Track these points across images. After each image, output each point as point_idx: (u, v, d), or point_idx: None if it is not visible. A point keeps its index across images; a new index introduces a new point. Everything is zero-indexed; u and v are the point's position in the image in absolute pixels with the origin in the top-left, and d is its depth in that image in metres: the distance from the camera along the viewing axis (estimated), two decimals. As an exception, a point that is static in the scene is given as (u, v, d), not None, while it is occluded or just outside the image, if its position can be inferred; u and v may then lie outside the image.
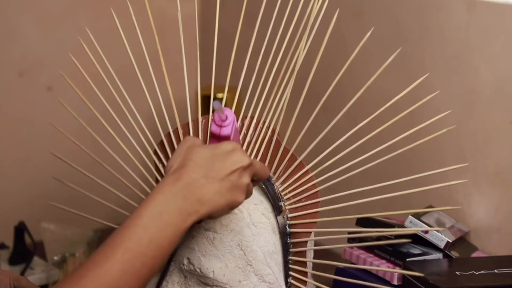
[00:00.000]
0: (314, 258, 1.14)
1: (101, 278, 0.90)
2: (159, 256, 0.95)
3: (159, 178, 1.20)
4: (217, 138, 1.04)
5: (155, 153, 1.21)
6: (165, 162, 1.19)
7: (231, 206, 1.01)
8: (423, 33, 1.52)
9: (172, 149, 1.19)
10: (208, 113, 1.19)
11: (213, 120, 1.04)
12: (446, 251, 1.34)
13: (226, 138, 1.03)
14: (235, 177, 1.00)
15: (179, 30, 1.19)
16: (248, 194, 1.03)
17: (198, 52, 1.21)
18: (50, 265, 1.67)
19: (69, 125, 1.22)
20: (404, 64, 1.47)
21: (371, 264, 1.34)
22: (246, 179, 1.01)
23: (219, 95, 1.20)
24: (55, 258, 1.70)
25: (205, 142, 1.17)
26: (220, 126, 1.04)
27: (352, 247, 1.38)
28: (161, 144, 1.20)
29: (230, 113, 1.04)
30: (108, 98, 1.19)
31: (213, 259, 1.08)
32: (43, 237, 1.70)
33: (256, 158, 1.14)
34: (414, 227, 1.34)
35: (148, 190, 1.21)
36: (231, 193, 1.00)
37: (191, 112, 1.20)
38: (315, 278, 1.14)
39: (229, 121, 1.04)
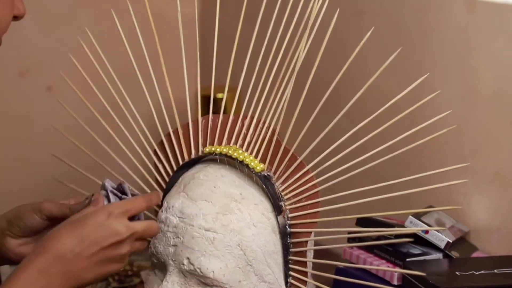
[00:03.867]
0: (314, 258, 1.14)
1: None
2: None
3: (158, 178, 1.20)
4: None
5: (155, 153, 1.21)
6: (165, 163, 1.19)
7: (102, 278, 0.99)
8: (423, 33, 1.51)
9: (172, 149, 1.19)
10: (208, 113, 1.19)
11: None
12: (446, 251, 1.34)
13: None
14: (109, 251, 0.97)
15: (179, 31, 1.19)
16: (125, 261, 1.00)
17: (198, 52, 1.21)
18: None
19: (69, 125, 1.22)
20: (404, 64, 1.47)
21: (371, 264, 1.34)
22: (123, 249, 0.98)
23: (219, 95, 1.20)
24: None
25: (205, 141, 1.17)
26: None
27: (352, 247, 1.38)
28: (161, 144, 1.20)
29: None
30: (108, 98, 1.19)
31: (213, 259, 1.08)
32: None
33: (256, 158, 1.14)
34: (414, 227, 1.34)
35: (148, 190, 1.21)
36: (101, 267, 0.97)
37: (191, 113, 1.20)
38: (315, 278, 1.14)
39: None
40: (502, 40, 1.39)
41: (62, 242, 0.95)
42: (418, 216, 1.35)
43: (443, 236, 1.34)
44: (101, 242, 0.96)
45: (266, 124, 1.15)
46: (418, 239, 1.35)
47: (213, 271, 1.08)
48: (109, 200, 1.03)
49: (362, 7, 1.62)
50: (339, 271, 1.30)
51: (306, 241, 1.12)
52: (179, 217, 1.10)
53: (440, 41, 1.48)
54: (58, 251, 0.94)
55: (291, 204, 1.13)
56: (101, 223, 0.96)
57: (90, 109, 1.19)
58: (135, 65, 1.20)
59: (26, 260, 0.94)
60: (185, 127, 1.19)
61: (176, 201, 1.11)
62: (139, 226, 0.99)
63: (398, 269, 1.29)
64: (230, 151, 1.14)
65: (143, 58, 1.19)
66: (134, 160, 1.21)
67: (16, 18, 1.00)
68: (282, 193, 1.13)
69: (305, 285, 1.13)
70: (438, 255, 1.34)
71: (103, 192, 1.04)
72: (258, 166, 1.13)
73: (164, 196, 1.16)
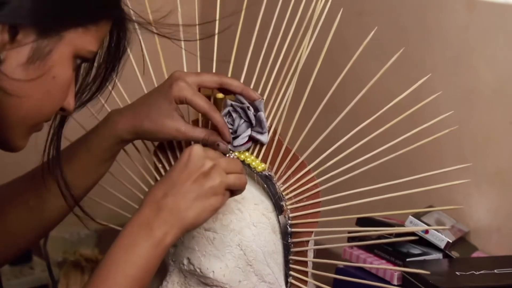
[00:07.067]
0: (314, 257, 1.14)
1: None
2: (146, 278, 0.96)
3: (158, 178, 1.20)
4: None
5: (155, 153, 1.20)
6: (164, 163, 1.19)
7: (207, 214, 0.99)
8: (423, 33, 1.52)
9: (172, 150, 1.19)
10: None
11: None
12: (446, 251, 1.34)
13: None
14: (199, 184, 0.98)
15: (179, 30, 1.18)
16: (221, 194, 1.01)
17: (198, 52, 1.21)
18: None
19: (68, 126, 1.22)
20: (405, 65, 1.47)
21: (371, 264, 1.34)
22: (213, 180, 0.99)
23: (219, 95, 1.19)
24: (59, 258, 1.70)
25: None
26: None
27: (352, 247, 1.38)
28: (161, 145, 1.20)
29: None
30: (108, 98, 1.19)
31: (213, 259, 1.08)
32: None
33: (257, 158, 1.14)
34: (414, 227, 1.34)
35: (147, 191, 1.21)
36: (199, 202, 0.98)
37: (191, 112, 1.20)
38: (316, 277, 1.14)
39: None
40: (502, 40, 1.40)
41: (153, 193, 0.99)
42: (418, 216, 1.35)
43: (443, 236, 1.34)
44: (188, 178, 0.98)
45: (268, 124, 1.15)
46: (418, 239, 1.35)
47: (213, 271, 1.08)
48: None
49: (363, 7, 1.62)
50: (339, 270, 1.30)
51: (307, 241, 1.12)
52: (179, 217, 1.10)
53: (440, 41, 1.49)
54: (151, 201, 0.98)
55: (292, 204, 1.13)
56: (185, 163, 1.00)
57: (89, 109, 1.19)
58: (134, 65, 1.19)
59: (129, 220, 0.98)
60: (185, 127, 1.18)
61: (177, 201, 1.11)
62: (222, 159, 1.02)
63: (398, 268, 1.29)
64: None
65: (143, 58, 1.19)
66: (134, 161, 1.21)
67: (63, 111, 0.98)
68: (283, 193, 1.13)
69: (306, 285, 1.13)
70: (438, 255, 1.34)
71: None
72: (259, 166, 1.13)
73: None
